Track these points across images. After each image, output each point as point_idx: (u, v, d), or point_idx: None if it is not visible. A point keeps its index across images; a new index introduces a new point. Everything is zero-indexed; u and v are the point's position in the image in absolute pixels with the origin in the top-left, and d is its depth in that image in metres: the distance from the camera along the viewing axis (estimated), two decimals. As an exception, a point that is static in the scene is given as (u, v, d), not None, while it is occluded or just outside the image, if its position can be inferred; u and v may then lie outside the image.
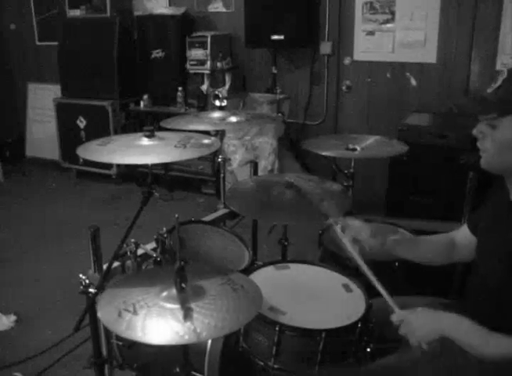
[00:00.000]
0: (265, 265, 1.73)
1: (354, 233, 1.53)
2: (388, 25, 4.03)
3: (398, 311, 1.34)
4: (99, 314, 1.21)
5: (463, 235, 1.55)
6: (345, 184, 2.34)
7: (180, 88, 4.59)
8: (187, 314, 1.16)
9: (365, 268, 1.43)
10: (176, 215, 1.26)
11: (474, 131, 1.28)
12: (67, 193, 4.91)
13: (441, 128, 3.52)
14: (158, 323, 1.15)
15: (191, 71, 4.57)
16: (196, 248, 1.95)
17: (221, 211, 2.44)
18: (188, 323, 1.13)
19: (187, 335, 1.10)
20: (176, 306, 1.19)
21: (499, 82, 1.24)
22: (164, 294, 1.23)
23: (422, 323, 1.28)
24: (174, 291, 1.22)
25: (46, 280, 3.20)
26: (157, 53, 4.70)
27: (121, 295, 1.26)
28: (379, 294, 1.39)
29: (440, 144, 3.29)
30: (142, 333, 1.12)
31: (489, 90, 1.26)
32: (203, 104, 4.53)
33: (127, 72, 4.88)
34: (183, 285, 1.22)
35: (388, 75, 4.13)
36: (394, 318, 1.33)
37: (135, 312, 1.17)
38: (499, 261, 1.28)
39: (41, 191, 4.98)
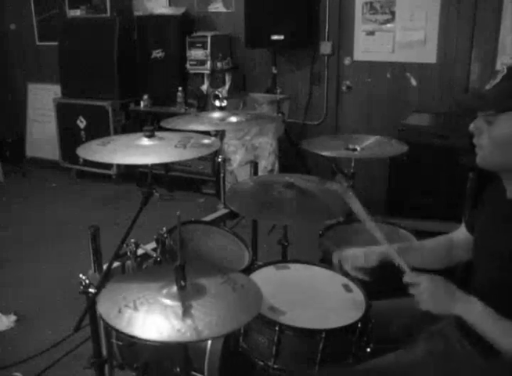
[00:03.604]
0: (265, 265, 1.73)
1: (352, 263, 1.55)
2: (388, 25, 4.03)
3: (410, 272, 1.33)
4: (99, 310, 1.21)
5: (461, 235, 1.55)
6: (345, 184, 2.34)
7: (180, 88, 4.58)
8: (186, 311, 1.16)
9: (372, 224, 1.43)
10: (178, 212, 1.25)
11: (471, 127, 1.28)
12: (67, 193, 4.91)
13: (441, 128, 3.52)
14: (159, 320, 1.15)
15: (191, 71, 4.57)
16: (197, 248, 1.96)
17: (221, 211, 2.44)
18: (189, 321, 1.13)
19: (188, 332, 1.10)
20: (177, 303, 1.19)
21: (498, 79, 1.24)
22: (165, 291, 1.23)
23: (437, 294, 1.26)
24: (174, 288, 1.22)
25: (46, 280, 3.20)
26: (157, 53, 4.70)
27: (121, 292, 1.26)
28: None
29: (440, 144, 3.29)
30: (143, 329, 1.12)
31: (488, 87, 1.26)
32: (203, 104, 4.53)
33: (127, 72, 4.88)
34: (183, 283, 1.22)
35: (388, 75, 4.13)
36: (406, 279, 1.32)
37: (135, 309, 1.17)
38: (497, 260, 1.28)
39: (41, 191, 4.98)
